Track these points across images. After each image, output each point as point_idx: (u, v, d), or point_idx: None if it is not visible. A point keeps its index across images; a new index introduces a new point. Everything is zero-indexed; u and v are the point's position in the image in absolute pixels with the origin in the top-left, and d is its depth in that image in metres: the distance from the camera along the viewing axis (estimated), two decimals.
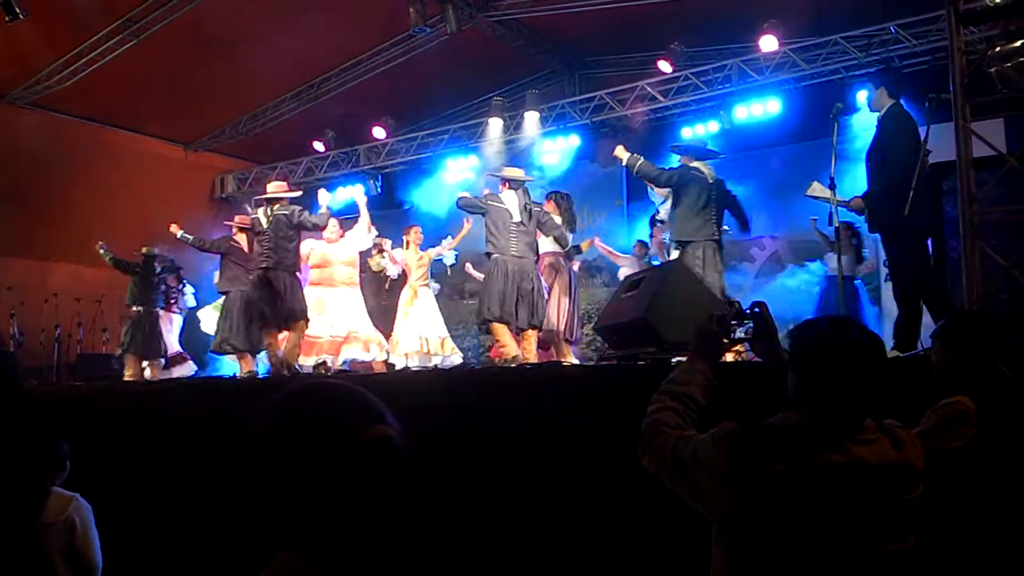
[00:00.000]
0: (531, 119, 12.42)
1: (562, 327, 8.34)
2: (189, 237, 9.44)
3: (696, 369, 2.31)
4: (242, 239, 9.54)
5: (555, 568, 4.42)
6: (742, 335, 2.39)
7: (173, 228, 9.45)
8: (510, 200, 7.79)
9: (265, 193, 8.60)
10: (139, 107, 13.21)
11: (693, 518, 2.14)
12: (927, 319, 5.47)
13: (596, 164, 12.87)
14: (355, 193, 9.78)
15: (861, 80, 9.65)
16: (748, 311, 2.40)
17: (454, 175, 13.53)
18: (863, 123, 8.64)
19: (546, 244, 8.31)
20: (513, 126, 12.65)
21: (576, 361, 8.12)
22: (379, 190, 14.39)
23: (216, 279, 9.98)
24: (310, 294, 8.80)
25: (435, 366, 8.97)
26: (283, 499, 1.34)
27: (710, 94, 11.16)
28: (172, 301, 11.27)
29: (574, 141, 12.65)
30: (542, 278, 8.11)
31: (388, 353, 9.25)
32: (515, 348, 7.48)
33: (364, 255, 9.90)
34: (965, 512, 2.76)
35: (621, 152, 7.69)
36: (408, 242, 9.65)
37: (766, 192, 10.69)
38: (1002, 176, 4.94)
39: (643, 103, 11.60)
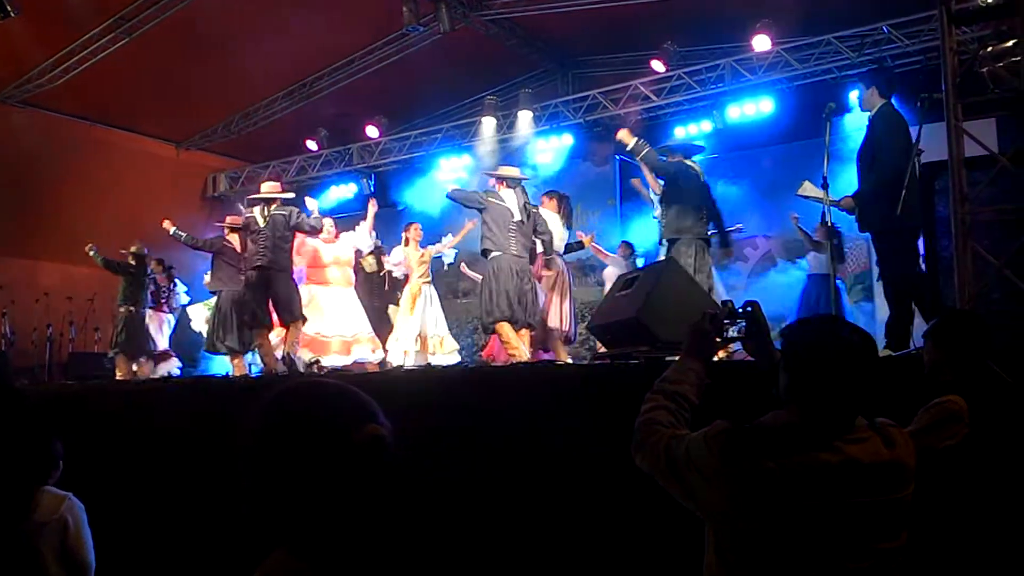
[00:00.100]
0: (524, 118, 12.42)
1: (566, 327, 8.31)
2: (182, 234, 9.40)
3: (689, 368, 2.31)
4: (234, 239, 9.52)
5: (550, 567, 4.42)
6: (735, 334, 2.40)
7: (166, 224, 9.39)
8: (510, 199, 7.77)
9: (259, 192, 8.59)
10: (131, 106, 13.18)
11: (686, 517, 2.14)
12: (919, 318, 5.48)
13: (589, 163, 12.88)
14: (370, 205, 9.71)
15: (854, 80, 9.67)
16: (741, 310, 2.40)
17: (447, 174, 13.52)
18: (856, 123, 8.64)
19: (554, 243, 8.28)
20: (506, 125, 12.65)
21: (570, 360, 8.11)
22: (372, 189, 14.37)
23: (207, 279, 9.96)
24: (303, 292, 8.79)
25: (429, 364, 8.96)
26: (275, 498, 1.34)
27: (703, 93, 11.18)
28: (163, 300, 11.25)
29: (567, 140, 12.65)
30: (545, 280, 8.10)
31: (386, 352, 9.25)
32: (522, 349, 7.44)
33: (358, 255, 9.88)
34: (957, 511, 2.77)
35: (626, 136, 7.48)
36: (408, 239, 9.56)
37: (759, 192, 10.72)
38: (994, 176, 4.96)
39: (636, 102, 11.61)
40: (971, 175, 4.98)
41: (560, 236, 8.43)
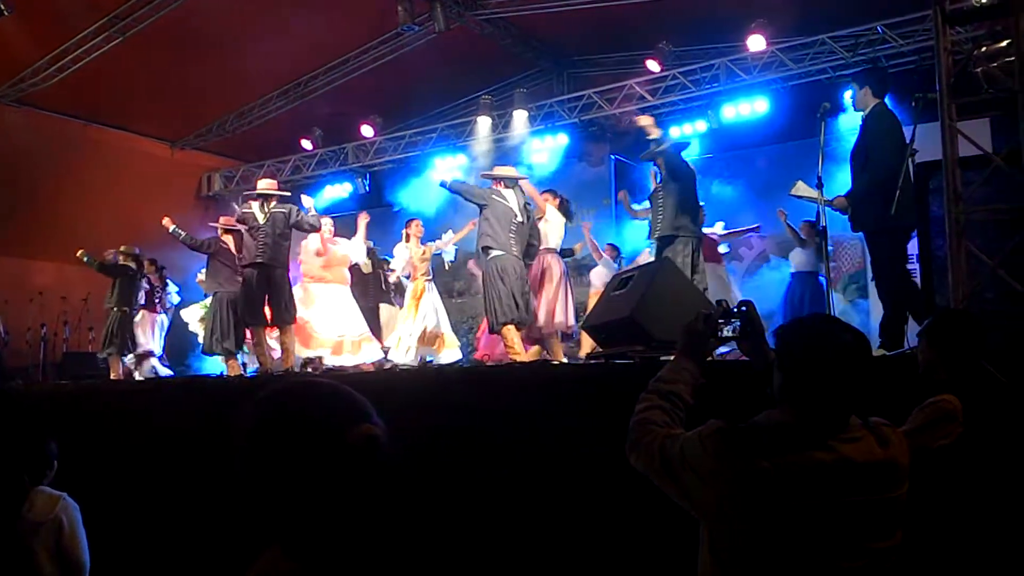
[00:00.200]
0: (519, 118, 12.42)
1: (571, 322, 8.28)
2: (181, 233, 9.35)
3: (683, 368, 2.32)
4: (228, 240, 9.50)
5: (546, 567, 4.42)
6: (729, 333, 2.40)
7: (166, 222, 9.31)
8: (511, 198, 7.76)
9: (255, 190, 8.59)
10: (125, 105, 13.16)
11: (681, 517, 2.15)
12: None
13: (584, 163, 12.88)
14: (360, 219, 9.65)
15: (848, 80, 9.66)
16: (735, 309, 2.41)
17: (442, 174, 13.47)
18: (850, 123, 8.67)
19: (547, 241, 8.25)
20: (501, 125, 12.65)
21: (566, 359, 8.12)
22: (367, 188, 14.37)
23: (201, 277, 9.94)
24: (298, 290, 8.79)
25: (423, 362, 8.94)
26: (268, 498, 1.33)
27: (698, 93, 11.19)
28: (156, 301, 11.23)
29: (562, 140, 12.65)
30: (548, 275, 8.08)
31: (387, 351, 9.23)
32: (523, 353, 7.43)
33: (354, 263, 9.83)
34: (952, 510, 2.77)
35: (652, 125, 7.39)
36: (409, 235, 9.51)
37: (754, 191, 10.74)
38: (988, 175, 4.96)
39: (631, 102, 11.60)
40: (965, 175, 4.98)
41: (559, 235, 8.42)
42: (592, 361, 6.27)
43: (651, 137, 7.38)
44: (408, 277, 9.61)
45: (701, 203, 8.03)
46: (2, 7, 9.53)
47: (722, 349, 3.43)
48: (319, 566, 1.32)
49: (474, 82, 13.36)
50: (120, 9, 10.98)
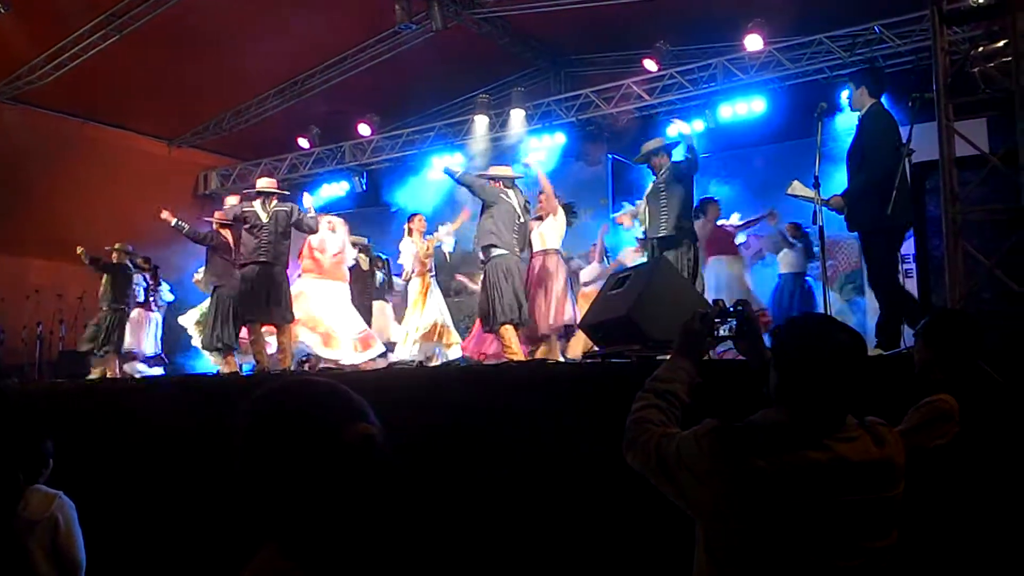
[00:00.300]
0: (516, 117, 12.41)
1: (569, 320, 8.27)
2: (185, 225, 9.25)
3: (680, 367, 2.32)
4: (227, 233, 9.45)
5: (543, 565, 4.42)
6: (725, 333, 2.40)
7: (165, 215, 9.19)
8: (513, 198, 7.77)
9: (254, 187, 8.58)
10: (122, 103, 13.13)
11: (677, 515, 2.15)
12: None
13: (582, 163, 12.87)
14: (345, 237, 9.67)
15: (845, 80, 9.66)
16: (732, 309, 2.41)
17: (439, 173, 13.47)
18: (847, 123, 8.67)
19: (552, 241, 8.21)
20: (499, 124, 12.63)
21: (563, 358, 8.11)
22: (364, 187, 14.35)
23: (198, 277, 9.90)
24: (296, 286, 8.79)
25: (432, 355, 8.94)
26: (265, 496, 1.33)
27: (695, 93, 11.19)
28: (151, 299, 11.21)
29: (560, 139, 12.63)
30: (551, 274, 8.07)
31: (393, 346, 9.23)
32: (520, 353, 7.42)
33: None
34: (948, 510, 2.77)
35: (682, 127, 7.40)
36: (412, 230, 9.47)
37: (751, 191, 10.73)
38: (985, 175, 4.97)
39: (628, 101, 11.60)
40: (962, 175, 4.99)
41: (561, 235, 8.40)
42: (589, 360, 6.27)
43: (681, 141, 7.39)
44: (400, 275, 9.61)
45: (716, 198, 8.52)
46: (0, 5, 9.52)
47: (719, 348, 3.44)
48: (315, 565, 1.32)
49: (471, 81, 13.35)
50: (117, 7, 10.96)
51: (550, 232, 8.20)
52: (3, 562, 3.19)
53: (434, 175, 13.50)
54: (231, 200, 10.26)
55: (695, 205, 7.90)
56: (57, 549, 3.30)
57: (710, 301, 2.57)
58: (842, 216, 5.96)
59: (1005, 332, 4.51)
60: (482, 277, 7.95)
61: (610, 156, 12.64)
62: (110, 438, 6.41)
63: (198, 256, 9.85)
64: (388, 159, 13.96)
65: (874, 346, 5.34)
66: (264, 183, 8.51)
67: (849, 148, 5.90)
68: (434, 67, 12.46)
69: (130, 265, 10.62)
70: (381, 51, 12.59)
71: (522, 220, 7.71)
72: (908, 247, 6.63)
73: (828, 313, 5.53)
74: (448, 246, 9.85)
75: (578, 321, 8.18)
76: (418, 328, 8.98)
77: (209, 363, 9.63)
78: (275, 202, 8.29)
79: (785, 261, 9.52)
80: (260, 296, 8.04)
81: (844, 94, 9.33)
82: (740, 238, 9.69)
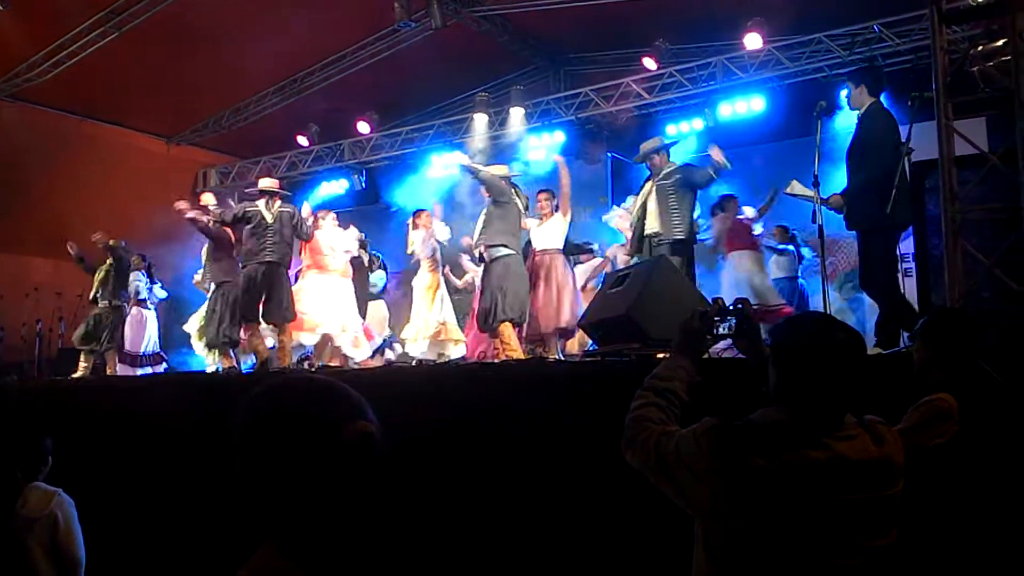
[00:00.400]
0: (516, 115, 12.40)
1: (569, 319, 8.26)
2: (204, 218, 8.90)
3: (679, 365, 2.32)
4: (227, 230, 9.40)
5: (542, 564, 4.42)
6: (725, 331, 2.40)
7: (183, 204, 9.02)
8: (518, 199, 7.79)
9: (253, 186, 8.59)
10: (121, 100, 13.11)
11: (676, 514, 2.15)
12: None
13: (581, 161, 12.85)
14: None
15: (845, 79, 9.67)
16: (731, 307, 2.41)
17: (439, 171, 13.49)
18: (847, 122, 8.67)
19: (557, 240, 8.20)
20: (498, 122, 12.63)
21: (562, 357, 8.10)
22: (363, 185, 14.35)
23: (197, 279, 9.86)
24: (305, 281, 8.81)
25: (420, 361, 8.93)
26: (264, 494, 1.33)
27: (695, 91, 11.19)
28: (147, 296, 11.19)
29: (559, 137, 12.62)
30: (555, 273, 8.06)
31: (403, 343, 9.23)
32: (519, 351, 7.41)
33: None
34: (947, 509, 2.77)
35: (720, 156, 7.36)
36: (418, 224, 9.37)
37: (750, 190, 10.70)
38: (984, 174, 4.97)
39: (628, 100, 11.60)
40: (961, 174, 5.00)
41: (562, 234, 8.38)
42: (588, 359, 6.27)
43: (720, 167, 7.34)
44: (399, 273, 9.61)
45: (733, 194, 8.98)
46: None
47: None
48: (314, 563, 1.32)
49: (471, 79, 13.34)
50: (116, 4, 10.95)
51: (554, 232, 8.18)
52: (2, 559, 3.19)
53: (433, 173, 13.51)
54: (208, 198, 10.12)
55: (714, 202, 8.51)
56: (56, 546, 3.30)
57: (733, 296, 2.56)
58: (841, 215, 5.96)
59: (1004, 331, 4.52)
60: (482, 276, 7.93)
61: (610, 154, 12.63)
62: (109, 435, 6.41)
63: (194, 255, 9.82)
64: (387, 157, 13.96)
65: (873, 345, 5.34)
66: (267, 183, 8.52)
67: (848, 147, 5.89)
68: (433, 65, 12.45)
69: (125, 259, 10.58)
70: (380, 49, 12.58)
71: (524, 220, 7.72)
72: (908, 246, 6.64)
73: (828, 311, 5.53)
74: (444, 235, 9.74)
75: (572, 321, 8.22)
76: (427, 323, 8.97)
77: (204, 362, 9.59)
78: (278, 202, 8.31)
79: (776, 267, 9.55)
80: (260, 295, 8.06)
81: (843, 93, 9.30)
82: (758, 228, 9.67)
